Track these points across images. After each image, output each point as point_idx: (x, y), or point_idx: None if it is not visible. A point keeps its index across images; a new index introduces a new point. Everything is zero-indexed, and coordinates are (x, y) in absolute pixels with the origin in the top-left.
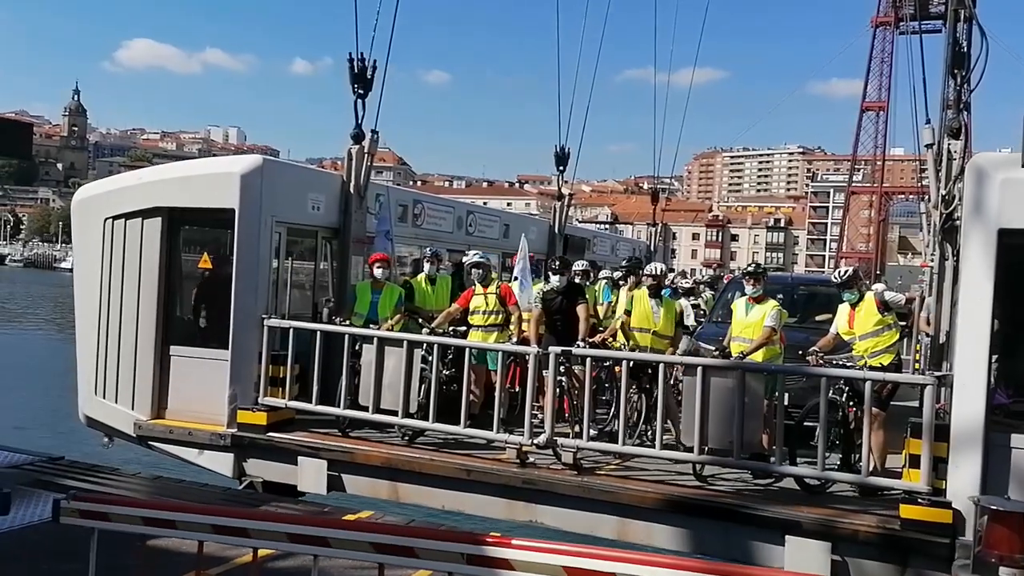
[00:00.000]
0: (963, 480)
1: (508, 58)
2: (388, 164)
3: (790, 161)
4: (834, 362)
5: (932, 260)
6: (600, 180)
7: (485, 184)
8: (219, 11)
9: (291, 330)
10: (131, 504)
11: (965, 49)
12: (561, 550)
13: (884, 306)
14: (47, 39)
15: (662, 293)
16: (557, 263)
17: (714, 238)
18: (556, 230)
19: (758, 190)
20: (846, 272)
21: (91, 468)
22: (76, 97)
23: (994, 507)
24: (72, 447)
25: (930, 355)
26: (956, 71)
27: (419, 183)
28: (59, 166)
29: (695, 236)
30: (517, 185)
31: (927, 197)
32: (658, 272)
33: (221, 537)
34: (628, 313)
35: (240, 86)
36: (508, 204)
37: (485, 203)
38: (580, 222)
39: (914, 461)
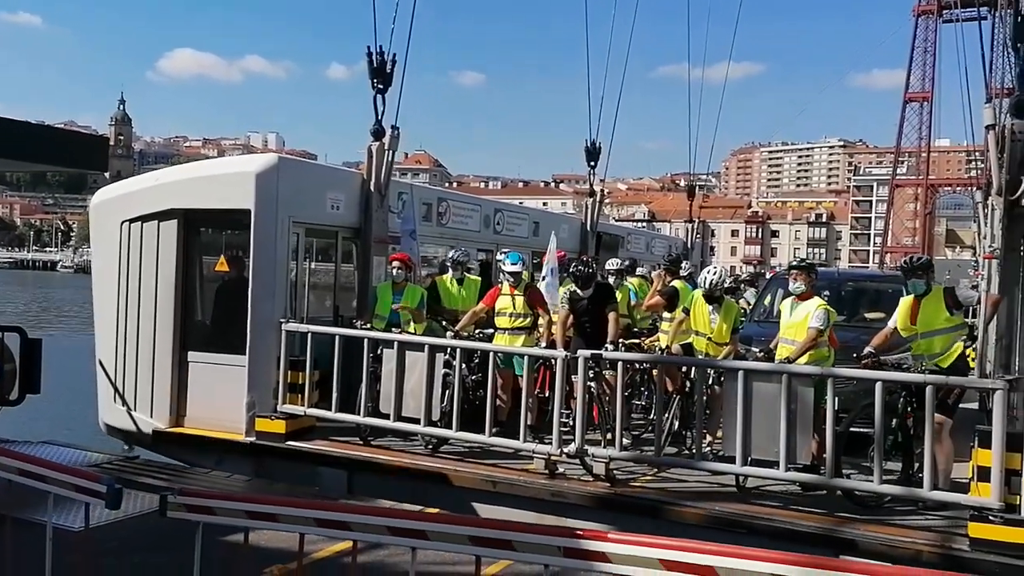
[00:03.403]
0: None
1: (542, 56)
2: (424, 167)
3: (831, 155)
4: (890, 363)
5: (996, 251)
6: (636, 178)
7: (521, 184)
8: (258, 19)
9: (309, 334)
10: (234, 499)
11: None
12: (657, 543)
13: (954, 302)
14: (93, 52)
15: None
16: (581, 280)
17: (754, 234)
18: (588, 227)
19: (798, 185)
20: (920, 259)
21: (165, 466)
22: (121, 107)
23: None
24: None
25: (997, 356)
26: (1020, 44)
27: (455, 184)
28: (106, 174)
29: (734, 233)
30: (552, 184)
31: (975, 187)
32: (707, 286)
33: (322, 530)
34: (687, 312)
35: (279, 92)
36: (544, 204)
37: (520, 203)
38: (617, 220)
39: (983, 474)
